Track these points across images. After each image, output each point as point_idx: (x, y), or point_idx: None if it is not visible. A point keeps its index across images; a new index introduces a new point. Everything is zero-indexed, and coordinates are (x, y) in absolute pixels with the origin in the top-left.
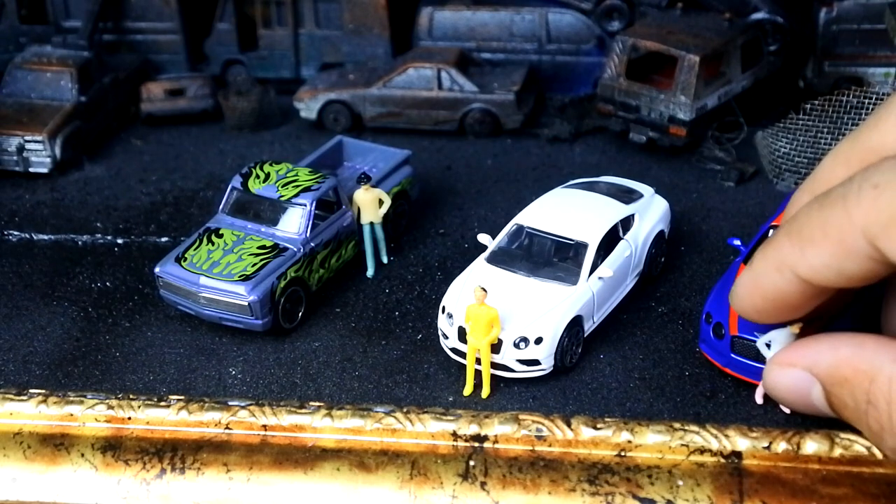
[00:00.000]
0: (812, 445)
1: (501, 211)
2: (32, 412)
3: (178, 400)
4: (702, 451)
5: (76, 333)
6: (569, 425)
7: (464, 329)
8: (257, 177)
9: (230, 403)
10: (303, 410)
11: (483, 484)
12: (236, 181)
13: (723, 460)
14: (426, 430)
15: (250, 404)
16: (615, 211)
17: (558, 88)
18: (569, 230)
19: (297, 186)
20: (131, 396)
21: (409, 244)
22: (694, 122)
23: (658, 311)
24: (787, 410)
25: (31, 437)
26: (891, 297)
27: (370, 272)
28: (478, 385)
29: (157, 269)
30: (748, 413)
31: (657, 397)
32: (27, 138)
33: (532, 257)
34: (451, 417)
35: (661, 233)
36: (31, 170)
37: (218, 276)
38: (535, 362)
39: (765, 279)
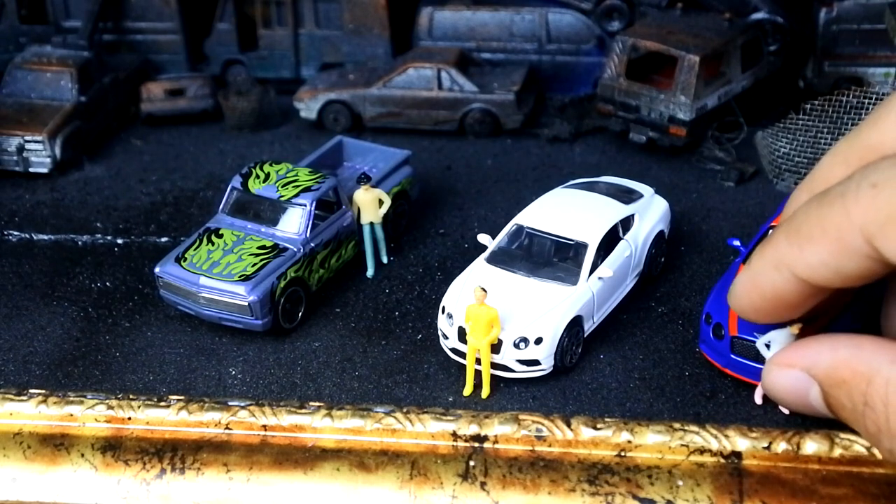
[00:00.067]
0: (812, 446)
1: (501, 211)
2: (32, 412)
3: (178, 400)
4: (702, 451)
5: (76, 333)
6: (569, 425)
7: (464, 329)
8: (257, 177)
9: (230, 403)
10: (303, 410)
11: (483, 484)
12: (236, 181)
13: (723, 460)
14: (426, 431)
15: (250, 404)
16: (615, 211)
17: (558, 88)
18: (569, 230)
19: (297, 186)
20: (131, 396)
21: (409, 244)
22: (694, 122)
23: (658, 311)
24: (787, 411)
25: (31, 437)
26: (891, 297)
27: (370, 272)
28: (478, 385)
29: (157, 269)
30: (748, 413)
31: (657, 397)
32: (27, 138)
33: (532, 257)
34: (451, 417)
35: (661, 233)
36: (31, 170)
37: (218, 277)
38: (535, 362)
39: (763, 278)
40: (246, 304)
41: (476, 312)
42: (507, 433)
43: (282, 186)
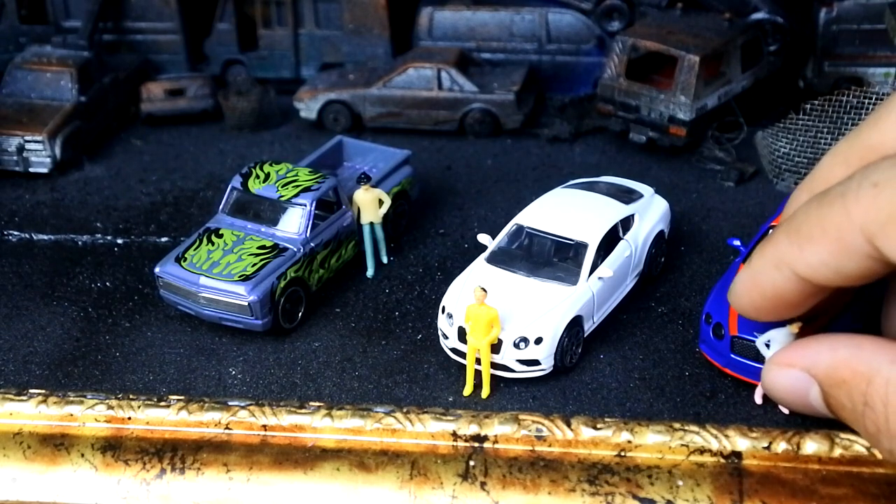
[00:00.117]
0: (812, 445)
1: (501, 211)
2: (32, 412)
3: (178, 400)
4: (702, 451)
5: (76, 333)
6: (569, 425)
7: (464, 329)
8: (257, 177)
9: (230, 403)
10: (303, 410)
11: (483, 484)
12: (236, 181)
13: (723, 460)
14: (426, 430)
15: (250, 404)
16: (615, 211)
17: (558, 88)
18: (569, 230)
19: (297, 186)
20: (131, 396)
21: (409, 244)
22: (694, 122)
23: (658, 311)
24: (787, 411)
25: (31, 437)
26: (891, 297)
27: (370, 272)
28: (478, 385)
29: (157, 269)
30: (748, 413)
31: (657, 397)
32: (27, 138)
33: (532, 257)
34: (451, 417)
35: (661, 233)
36: (31, 170)
37: (218, 276)
38: (535, 362)
39: (763, 277)
40: (246, 304)
41: (476, 312)
42: (507, 433)
43: (282, 186)
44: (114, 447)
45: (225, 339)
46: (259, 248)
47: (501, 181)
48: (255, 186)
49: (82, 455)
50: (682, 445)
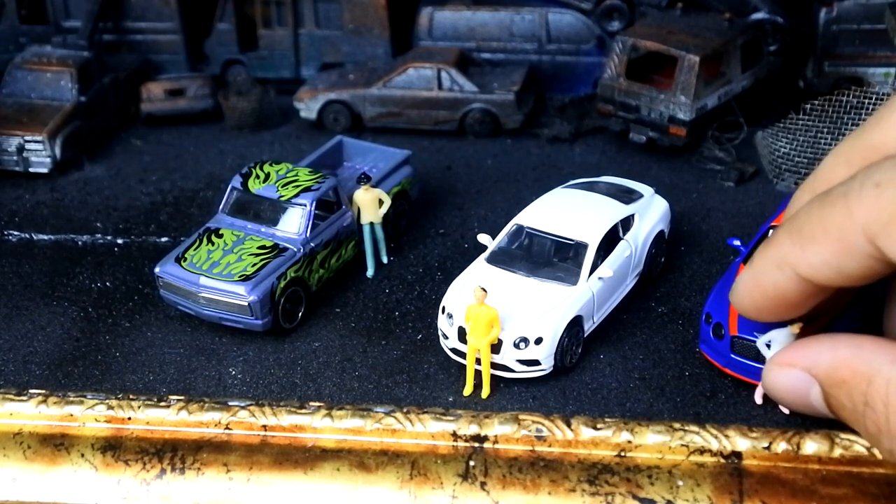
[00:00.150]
0: (812, 446)
1: (501, 211)
2: (32, 412)
3: (178, 400)
4: (702, 451)
5: (76, 333)
6: (569, 425)
7: (464, 329)
8: (257, 177)
9: (230, 403)
10: (303, 410)
11: (483, 484)
12: (236, 181)
13: (723, 460)
14: (426, 431)
15: (250, 404)
16: (615, 211)
17: (558, 88)
18: (569, 230)
19: (297, 186)
20: (131, 396)
21: (409, 244)
22: (694, 122)
23: (658, 311)
24: (787, 411)
25: (31, 437)
26: (893, 297)
27: (370, 272)
28: (478, 385)
29: (157, 269)
30: (748, 413)
31: (657, 397)
32: (27, 138)
33: (532, 257)
34: (451, 417)
35: (661, 233)
36: (31, 170)
37: (218, 277)
38: (535, 362)
39: (765, 277)
40: (246, 304)
41: (476, 312)
42: (507, 433)
43: (282, 186)
44: (114, 447)
45: (225, 339)
46: (259, 248)
47: (501, 181)
48: (255, 186)
49: (82, 455)
50: (682, 445)
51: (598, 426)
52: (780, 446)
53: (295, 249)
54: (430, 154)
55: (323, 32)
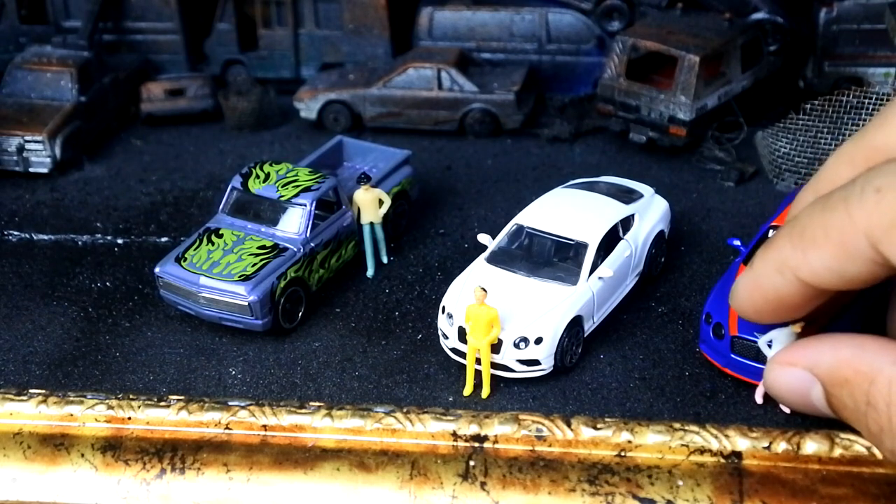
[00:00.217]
0: (812, 445)
1: (501, 211)
2: (32, 412)
3: (178, 400)
4: (702, 451)
5: (76, 333)
6: (569, 425)
7: (464, 329)
8: (257, 177)
9: (230, 403)
10: (303, 410)
11: (483, 484)
12: (236, 181)
13: (723, 460)
14: (426, 430)
15: (250, 404)
16: (615, 211)
17: (558, 88)
18: (569, 230)
19: (297, 186)
20: (131, 396)
21: (409, 244)
22: (694, 122)
23: (658, 311)
24: (787, 410)
25: (31, 437)
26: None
27: (370, 272)
28: (478, 385)
29: (157, 269)
30: (748, 413)
31: (657, 397)
32: (27, 138)
33: (532, 257)
34: (451, 417)
35: (661, 233)
36: (31, 170)
37: (218, 276)
38: (535, 362)
39: (765, 280)
40: (246, 304)
41: (476, 312)
42: (507, 433)
43: (282, 186)
44: (114, 447)
45: (225, 339)
46: (259, 248)
47: (501, 181)
48: (255, 186)
49: (82, 455)
50: (682, 445)
51: (598, 426)
52: (781, 446)
53: (295, 249)
54: (430, 154)
55: (323, 32)
